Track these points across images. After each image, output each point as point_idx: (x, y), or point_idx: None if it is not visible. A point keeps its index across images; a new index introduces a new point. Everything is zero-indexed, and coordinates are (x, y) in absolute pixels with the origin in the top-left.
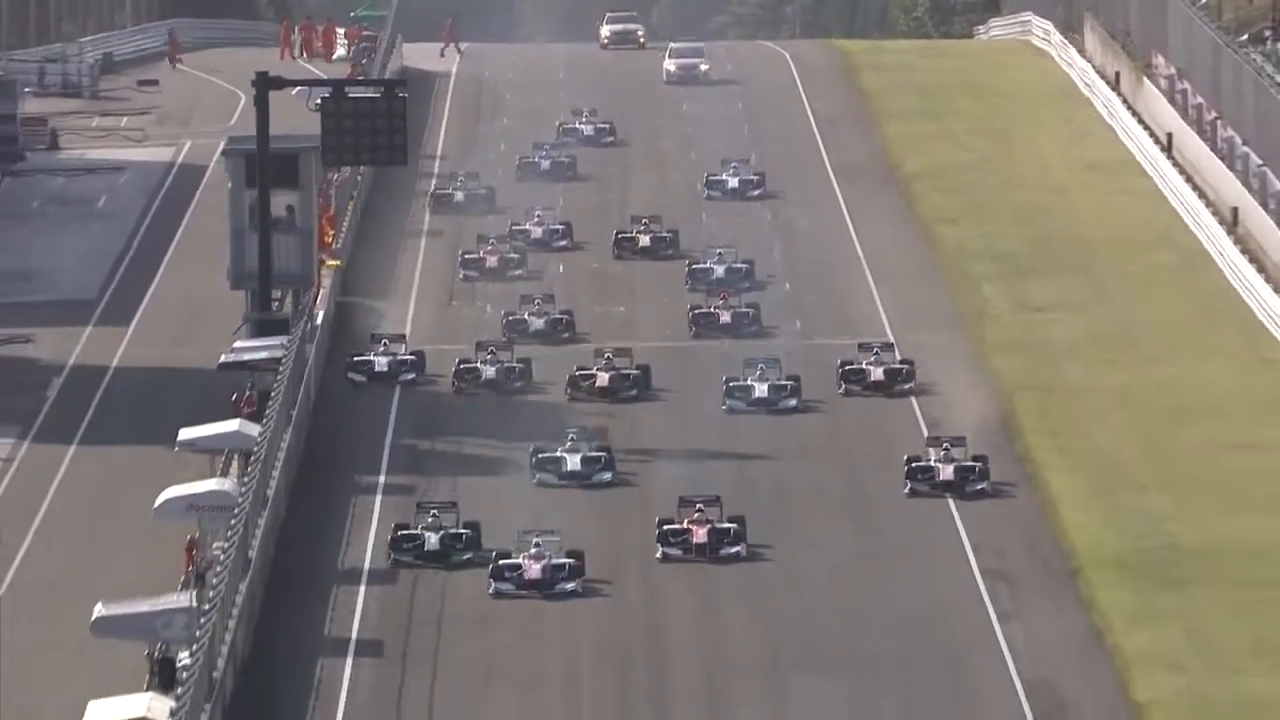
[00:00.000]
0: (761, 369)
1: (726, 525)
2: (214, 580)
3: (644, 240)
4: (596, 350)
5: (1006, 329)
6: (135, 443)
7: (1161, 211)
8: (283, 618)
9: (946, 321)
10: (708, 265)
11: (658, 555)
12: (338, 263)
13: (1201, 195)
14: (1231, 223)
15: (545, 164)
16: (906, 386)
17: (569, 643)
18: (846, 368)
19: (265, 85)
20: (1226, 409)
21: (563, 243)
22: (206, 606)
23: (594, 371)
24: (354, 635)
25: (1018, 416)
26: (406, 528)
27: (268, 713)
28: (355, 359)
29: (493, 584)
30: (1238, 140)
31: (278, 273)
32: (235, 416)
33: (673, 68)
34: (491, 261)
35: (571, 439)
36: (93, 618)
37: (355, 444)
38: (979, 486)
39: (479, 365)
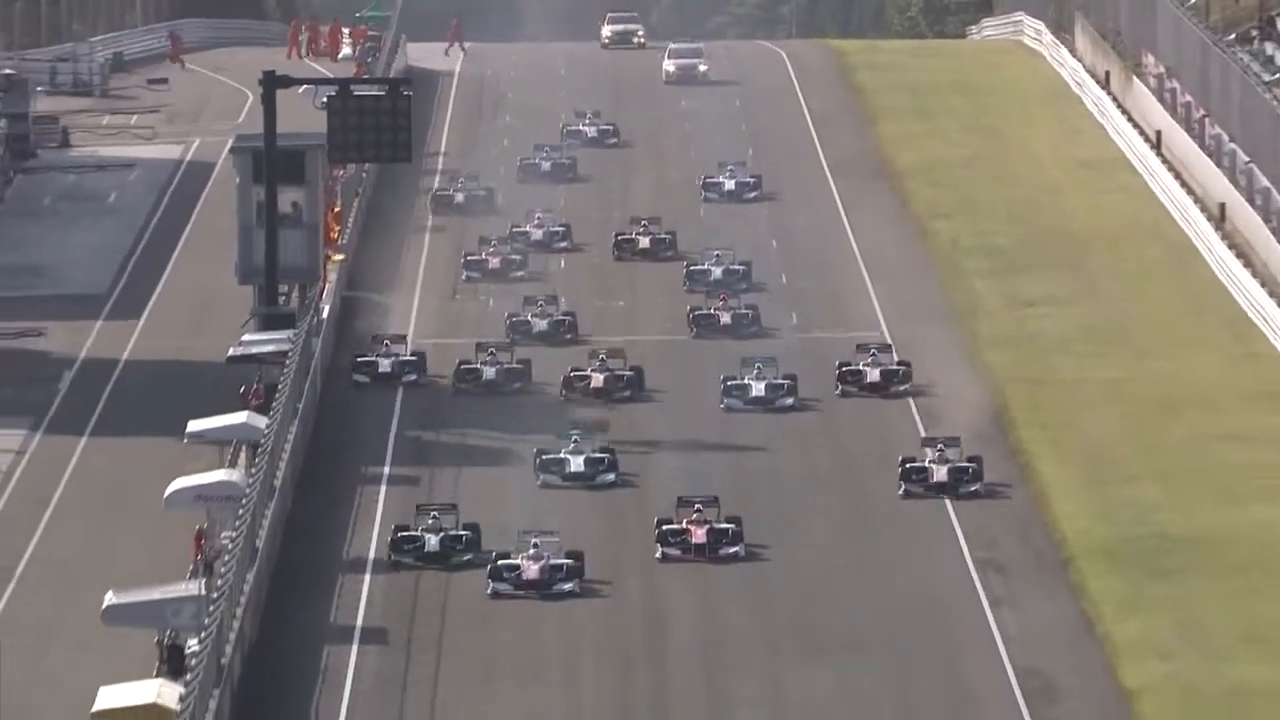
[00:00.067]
0: (759, 368)
1: (725, 525)
2: (222, 569)
3: (644, 242)
4: (591, 351)
5: (999, 323)
6: (145, 434)
7: (1151, 207)
8: (289, 606)
9: (940, 316)
10: (705, 267)
11: (657, 555)
12: (340, 256)
13: (1190, 191)
14: (1219, 218)
15: (546, 165)
16: (903, 388)
17: (570, 637)
18: (844, 369)
19: (272, 84)
20: (1215, 401)
21: (563, 244)
22: (215, 595)
23: (589, 373)
24: (359, 623)
25: (1010, 409)
26: (407, 529)
27: (275, 699)
28: (358, 360)
29: (491, 584)
30: (1225, 138)
31: (284, 268)
32: (243, 409)
33: (672, 68)
34: (494, 263)
35: (575, 441)
36: (103, 606)
37: (360, 436)
38: (972, 488)
39: (479, 366)
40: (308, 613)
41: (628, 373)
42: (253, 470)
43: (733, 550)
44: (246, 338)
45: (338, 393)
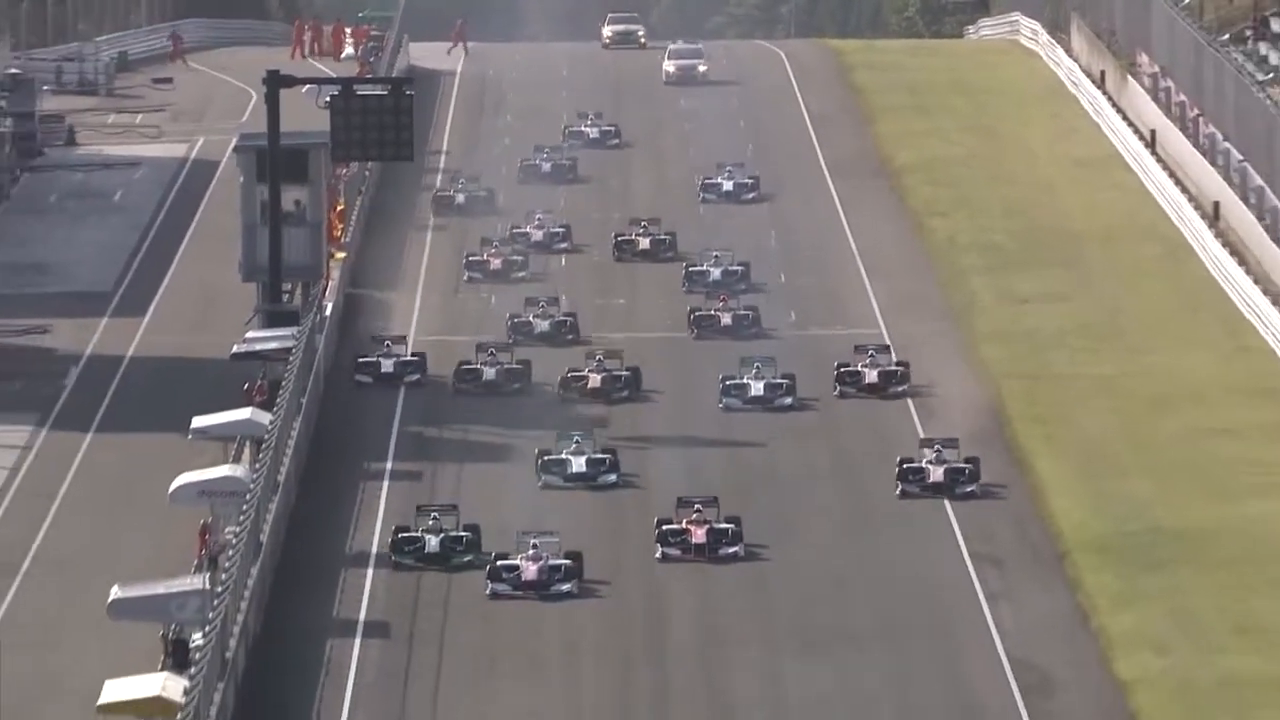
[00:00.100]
0: (758, 367)
1: (724, 525)
2: (226, 563)
3: (644, 243)
4: (588, 352)
5: (995, 319)
6: (150, 430)
7: (1145, 205)
8: (293, 600)
9: (937, 312)
10: (704, 268)
11: (657, 555)
12: (343, 254)
13: (1184, 190)
14: (1213, 216)
15: (546, 166)
16: (901, 389)
17: (571, 635)
18: (842, 370)
19: (276, 83)
20: (1208, 396)
21: (563, 245)
22: (219, 589)
23: (586, 373)
24: (362, 617)
25: (1006, 405)
26: (407, 530)
27: (278, 692)
28: (360, 360)
29: (490, 585)
30: (1219, 136)
31: (288, 265)
32: (247, 405)
33: (672, 69)
34: (495, 264)
35: (576, 442)
36: (109, 600)
37: (363, 432)
38: (969, 488)
39: (479, 367)
40: (311, 607)
41: (625, 373)
42: (256, 466)
43: (732, 550)
44: (250, 335)
45: (341, 389)
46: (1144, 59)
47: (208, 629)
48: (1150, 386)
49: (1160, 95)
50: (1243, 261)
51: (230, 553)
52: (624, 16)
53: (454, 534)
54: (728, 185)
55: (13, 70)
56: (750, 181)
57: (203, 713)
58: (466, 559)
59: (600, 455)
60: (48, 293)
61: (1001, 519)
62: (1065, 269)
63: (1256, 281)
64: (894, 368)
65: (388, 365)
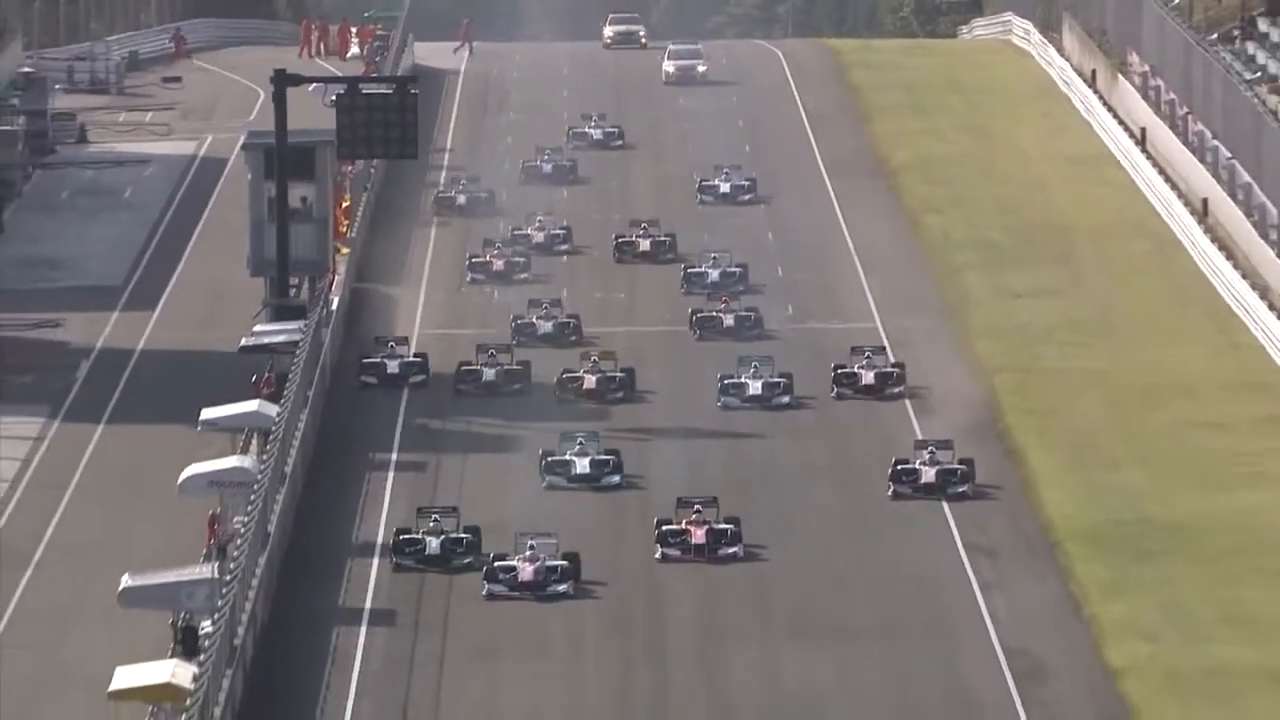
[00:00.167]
0: (755, 366)
1: (724, 526)
2: (235, 553)
3: (644, 244)
4: (583, 353)
5: (988, 315)
6: (160, 422)
7: (1136, 202)
8: (300, 589)
9: (932, 308)
10: (703, 269)
11: (657, 555)
12: (346, 250)
13: (1174, 187)
14: (1202, 213)
15: (548, 167)
16: (897, 390)
17: (572, 628)
18: (839, 371)
19: (283, 82)
20: (1197, 390)
21: (564, 247)
22: (228, 578)
23: (581, 374)
24: (368, 605)
25: (999, 398)
26: (408, 532)
27: (286, 679)
28: (365, 361)
29: (486, 586)
30: (1208, 134)
31: (295, 260)
32: (255, 397)
33: (671, 69)
34: (498, 265)
35: (580, 443)
36: (120, 588)
37: (369, 423)
38: (960, 489)
39: (479, 367)
40: (318, 595)
41: (620, 374)
42: (264, 457)
43: (731, 550)
44: (258, 328)
45: (346, 382)
46: (1134, 58)
47: (216, 617)
48: (1141, 380)
49: (1150, 94)
50: (1231, 257)
51: (239, 542)
52: (625, 17)
53: (454, 536)
54: (725, 187)
55: (26, 69)
56: (747, 183)
57: (211, 699)
58: (467, 561)
59: (604, 456)
60: (60, 287)
61: (995, 511)
62: (1057, 265)
63: (1244, 276)
64: (890, 369)
65: (393, 366)
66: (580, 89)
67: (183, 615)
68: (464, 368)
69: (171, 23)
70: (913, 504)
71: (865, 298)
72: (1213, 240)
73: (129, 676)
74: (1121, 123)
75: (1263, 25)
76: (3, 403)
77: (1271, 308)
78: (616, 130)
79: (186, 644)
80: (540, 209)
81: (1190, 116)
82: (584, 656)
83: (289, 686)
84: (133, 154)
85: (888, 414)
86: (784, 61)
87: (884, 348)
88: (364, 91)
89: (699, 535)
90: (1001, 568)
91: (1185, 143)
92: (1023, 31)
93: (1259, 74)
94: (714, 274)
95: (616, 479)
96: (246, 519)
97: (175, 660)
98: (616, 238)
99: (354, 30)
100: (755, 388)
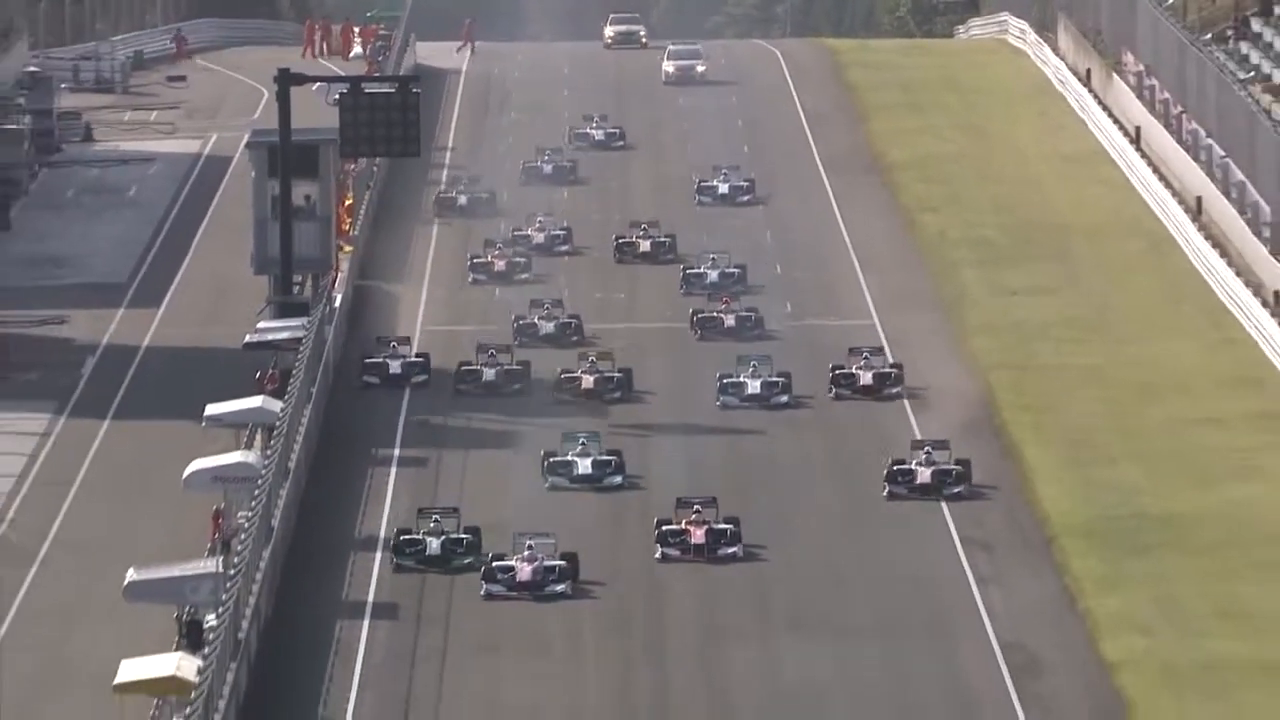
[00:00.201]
0: (754, 366)
1: (723, 526)
2: (239, 547)
3: (644, 245)
4: (580, 354)
5: (985, 312)
6: (165, 418)
7: (1130, 200)
8: (303, 583)
9: (928, 305)
10: (701, 270)
11: (657, 555)
12: (349, 248)
13: (1168, 185)
14: (1196, 211)
15: (548, 168)
16: (895, 390)
17: (572, 625)
18: (837, 372)
19: (287, 81)
20: (1192, 386)
21: (564, 248)
22: (232, 572)
23: (578, 374)
24: (370, 599)
25: (995, 394)
26: (409, 532)
27: (289, 672)
28: (367, 361)
29: (485, 586)
30: (1201, 133)
31: (298, 258)
32: (259, 393)
33: (671, 69)
34: (499, 265)
35: (582, 444)
36: (125, 582)
37: (371, 419)
38: (956, 490)
39: (479, 368)
40: (321, 589)
41: (617, 374)
42: (268, 452)
43: (731, 550)
44: (262, 325)
45: (349, 378)
46: (1129, 58)
47: (221, 611)
48: (1136, 376)
49: (1145, 93)
50: (1225, 254)
51: (243, 537)
52: (625, 17)
53: (455, 536)
54: (723, 188)
55: (32, 69)
56: (745, 184)
57: (216, 691)
58: (467, 561)
59: (605, 457)
60: (65, 285)
61: (991, 506)
62: (1053, 263)
63: (1238, 274)
64: (888, 370)
65: (395, 366)
66: (581, 89)
67: (187, 609)
68: (464, 368)
69: (176, 23)
70: (910, 502)
71: (863, 294)
72: (1206, 238)
73: (134, 669)
74: (1116, 122)
75: (1256, 25)
76: (9, 399)
77: (1264, 304)
78: (618, 131)
79: (191, 637)
80: (541, 210)
81: (1184, 116)
82: (584, 656)
83: (292, 679)
84: (138, 152)
85: (886, 414)
86: (782, 61)
87: (882, 348)
88: (367, 91)
89: (699, 535)
90: (998, 563)
91: (1179, 141)
92: (1018, 31)
93: (1252, 73)
94: (713, 275)
95: (619, 479)
96: (250, 514)
97: (180, 653)
98: (617, 238)
99: (357, 30)
100: (754, 387)
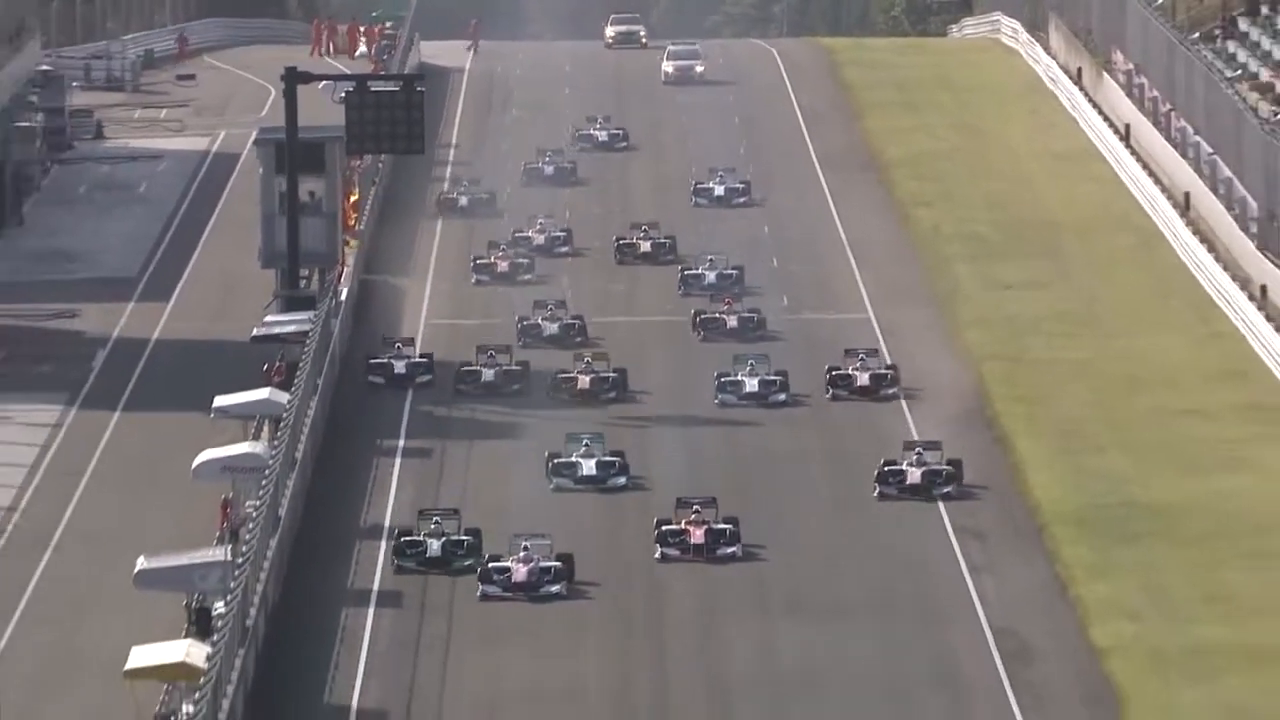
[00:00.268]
0: (752, 364)
1: (723, 526)
2: (247, 536)
3: (644, 246)
4: (576, 354)
5: (977, 306)
6: (174, 410)
7: (1120, 197)
8: (310, 571)
9: (922, 299)
10: (700, 271)
11: (656, 555)
12: (354, 243)
13: (1157, 181)
14: (1184, 207)
15: (549, 169)
16: (891, 391)
17: (572, 625)
18: (833, 373)
19: (294, 80)
20: (1180, 378)
21: (564, 249)
22: (240, 560)
23: (574, 375)
24: (375, 587)
25: (987, 386)
26: (410, 534)
27: (296, 658)
28: (372, 361)
29: (480, 587)
30: (1190, 131)
31: (305, 253)
32: (266, 385)
33: (670, 69)
34: (502, 266)
35: (585, 444)
36: (135, 571)
37: (377, 410)
38: (945, 490)
39: (479, 368)
40: (327, 578)
41: (613, 375)
42: (275, 443)
43: (730, 550)
44: (269, 319)
45: (355, 370)
46: (1119, 57)
47: (229, 598)
48: (1125, 369)
49: (1134, 91)
50: (1212, 249)
51: (250, 526)
52: (626, 17)
53: (455, 538)
54: (719, 190)
55: (44, 67)
56: (741, 186)
57: (224, 677)
58: (468, 563)
59: (609, 458)
60: (76, 279)
61: (984, 495)
62: (1044, 258)
63: (1226, 268)
64: (884, 371)
65: (400, 366)
66: (582, 88)
67: (196, 597)
68: (463, 368)
69: (185, 22)
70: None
71: (858, 289)
72: (1195, 233)
73: (144, 656)
74: (1106, 119)
75: (1243, 24)
76: (22, 391)
77: (1251, 298)
78: (621, 132)
79: (200, 624)
80: (541, 211)
81: (1173, 113)
82: (584, 655)
83: (299, 666)
84: (147, 149)
85: (883, 414)
86: (779, 60)
87: (878, 350)
88: (372, 89)
89: (698, 535)
90: (990, 551)
91: (1168, 139)
92: (1011, 30)
93: (1240, 72)
94: (710, 275)
95: (622, 480)
96: (258, 503)
97: (189, 640)
98: (617, 239)
99: (362, 30)
100: (752, 385)
